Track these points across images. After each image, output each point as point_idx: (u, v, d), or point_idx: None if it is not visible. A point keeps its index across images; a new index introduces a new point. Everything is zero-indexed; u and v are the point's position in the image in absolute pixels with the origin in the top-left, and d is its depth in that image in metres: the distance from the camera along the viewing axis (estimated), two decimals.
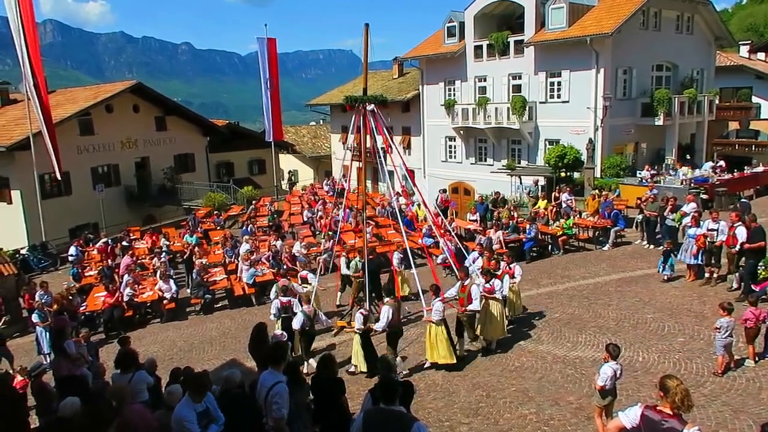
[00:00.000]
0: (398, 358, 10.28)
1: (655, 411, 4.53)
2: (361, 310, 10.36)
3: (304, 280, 13.21)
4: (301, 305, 11.21)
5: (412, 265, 12.99)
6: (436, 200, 22.28)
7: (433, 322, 10.02)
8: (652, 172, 22.28)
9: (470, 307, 10.41)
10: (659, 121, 24.47)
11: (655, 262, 14.01)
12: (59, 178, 24.27)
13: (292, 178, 42.26)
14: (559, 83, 25.09)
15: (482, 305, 10.53)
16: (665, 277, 13.23)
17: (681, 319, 11.01)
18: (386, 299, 10.63)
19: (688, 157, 25.83)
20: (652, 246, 16.35)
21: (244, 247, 17.60)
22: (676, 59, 26.56)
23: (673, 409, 4.42)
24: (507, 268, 12.02)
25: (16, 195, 26.18)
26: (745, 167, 24.34)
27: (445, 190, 23.03)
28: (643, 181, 21.54)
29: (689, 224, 13.35)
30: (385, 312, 10.08)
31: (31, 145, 23.29)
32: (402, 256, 14.50)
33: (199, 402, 5.59)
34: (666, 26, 25.89)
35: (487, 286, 10.72)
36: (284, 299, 11.19)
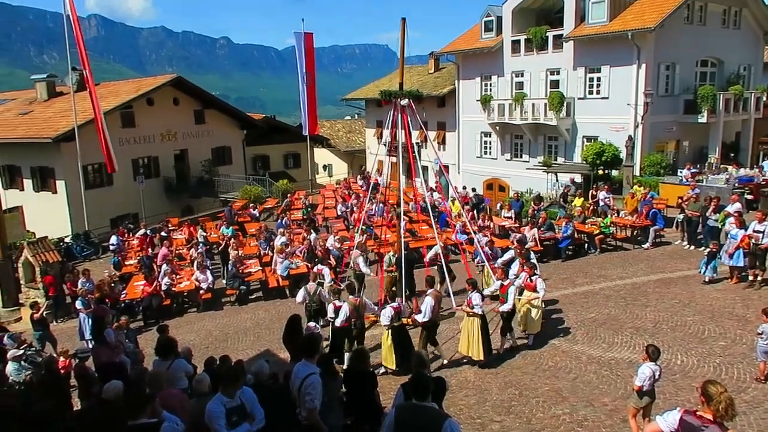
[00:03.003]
0: (431, 354, 10.22)
1: (695, 416, 4.42)
2: (393, 305, 10.35)
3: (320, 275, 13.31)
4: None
5: (443, 262, 12.95)
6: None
7: (477, 315, 9.87)
8: (694, 170, 21.66)
9: (503, 308, 10.34)
10: (703, 119, 23.77)
11: (696, 263, 13.66)
12: (115, 169, 24.63)
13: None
14: (598, 79, 24.59)
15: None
16: (706, 279, 12.87)
17: (722, 323, 10.71)
18: (429, 290, 10.41)
19: (732, 155, 25.02)
20: (693, 247, 15.94)
21: (279, 240, 17.81)
22: (722, 54, 25.71)
23: (716, 417, 4.30)
24: (528, 281, 10.92)
25: (60, 185, 27.04)
26: None
27: (465, 187, 22.78)
28: (684, 180, 20.96)
29: (733, 225, 12.95)
30: (428, 303, 10.01)
31: (76, 137, 23.98)
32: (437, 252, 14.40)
33: (231, 397, 5.30)
34: (712, 20, 25.08)
35: (529, 282, 10.79)
36: (394, 305, 10.71)
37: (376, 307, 11.38)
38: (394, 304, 10.36)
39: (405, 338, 10.27)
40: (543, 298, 10.93)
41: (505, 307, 10.29)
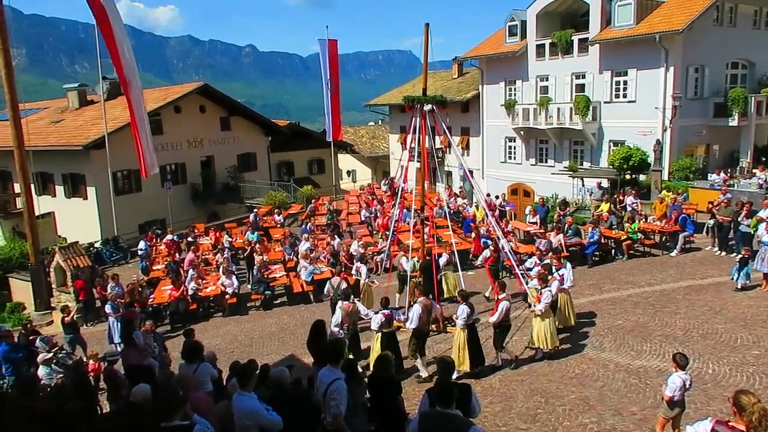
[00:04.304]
0: (420, 361, 10.31)
1: (728, 427, 4.32)
2: (384, 311, 10.41)
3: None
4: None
5: (459, 268, 12.92)
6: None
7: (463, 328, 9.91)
8: (725, 175, 21.20)
9: (491, 320, 10.27)
10: (734, 122, 23.26)
11: (727, 269, 13.36)
12: (148, 173, 23.40)
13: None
14: (625, 82, 24.27)
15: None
16: (739, 286, 12.57)
17: (755, 331, 10.44)
18: (420, 298, 10.54)
19: (764, 159, 24.42)
20: (724, 253, 15.59)
21: (303, 245, 17.92)
22: (753, 56, 25.16)
23: (749, 428, 4.19)
24: (538, 294, 10.54)
25: (91, 191, 27.61)
26: None
27: (489, 195, 22.65)
28: (715, 184, 20.52)
29: (765, 231, 12.64)
30: (415, 310, 10.12)
31: (106, 144, 24.50)
32: (449, 257, 14.36)
33: (249, 391, 5.68)
34: (742, 21, 24.57)
35: (557, 276, 11.01)
36: (385, 312, 10.79)
37: (369, 313, 11.39)
38: (386, 311, 10.43)
39: (394, 345, 10.29)
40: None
41: (493, 319, 10.12)
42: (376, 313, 10.59)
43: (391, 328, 10.36)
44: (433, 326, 11.92)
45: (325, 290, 13.46)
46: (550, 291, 10.40)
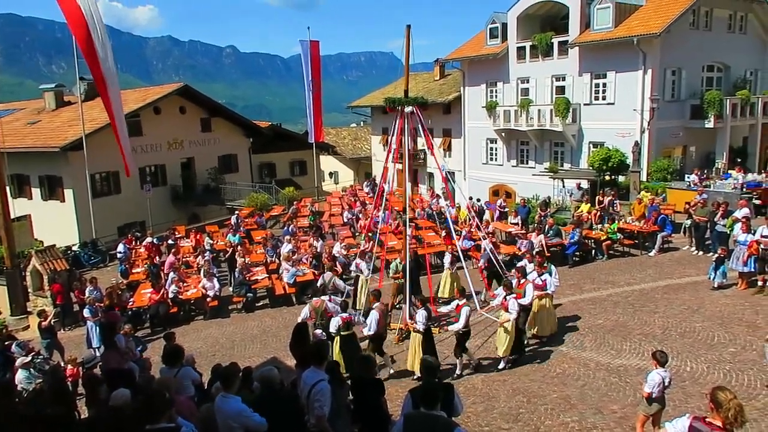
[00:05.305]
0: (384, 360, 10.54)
1: (705, 423, 4.39)
2: (342, 315, 10.55)
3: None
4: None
5: (464, 266, 12.96)
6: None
7: (419, 332, 10.01)
8: (702, 176, 21.57)
9: (451, 328, 10.29)
10: (709, 124, 23.69)
11: (704, 268, 13.58)
12: (130, 173, 23.60)
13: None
14: (604, 84, 24.58)
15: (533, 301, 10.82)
16: (715, 285, 12.79)
17: (732, 329, 10.63)
18: (375, 304, 10.70)
19: (739, 161, 24.90)
20: (701, 252, 15.86)
21: (285, 247, 17.83)
22: (729, 60, 25.66)
23: (725, 424, 4.27)
24: (503, 300, 10.33)
25: (68, 194, 27.22)
26: None
27: (471, 198, 22.77)
28: (692, 185, 20.86)
29: (741, 230, 12.88)
30: (373, 316, 10.27)
31: (83, 146, 24.14)
32: (452, 257, 14.45)
33: (233, 393, 5.65)
34: (718, 26, 25.05)
35: (539, 281, 10.97)
36: (344, 315, 10.96)
37: (341, 311, 11.37)
38: (344, 315, 10.57)
39: (353, 346, 10.39)
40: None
41: (455, 327, 10.13)
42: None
43: (349, 331, 10.43)
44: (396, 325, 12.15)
45: (318, 284, 13.74)
46: (516, 301, 10.19)
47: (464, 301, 10.27)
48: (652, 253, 16.63)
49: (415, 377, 10.02)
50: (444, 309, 11.47)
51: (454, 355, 10.40)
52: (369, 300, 12.92)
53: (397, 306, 13.63)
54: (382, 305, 10.69)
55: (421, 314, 10.01)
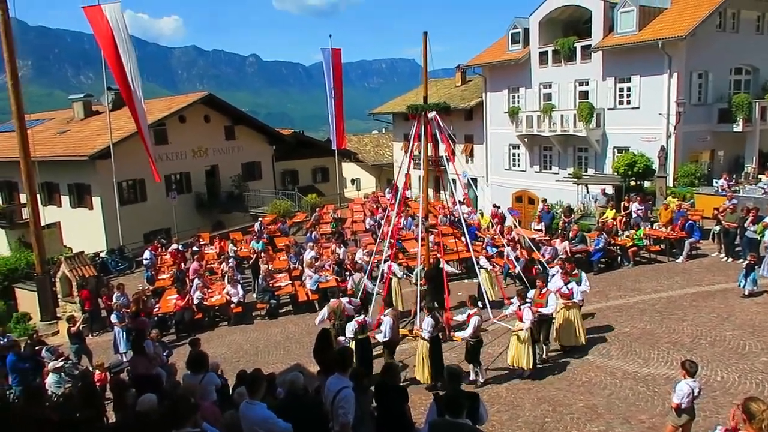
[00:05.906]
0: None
1: None
2: (358, 319, 10.52)
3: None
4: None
5: (478, 273, 12.90)
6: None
7: (426, 339, 9.94)
8: (731, 181, 21.14)
9: (460, 334, 10.37)
10: (738, 128, 23.20)
11: (734, 276, 13.29)
12: (159, 179, 24.63)
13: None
14: (628, 89, 24.26)
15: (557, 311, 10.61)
16: (746, 293, 12.50)
17: (764, 338, 10.37)
18: (387, 310, 10.67)
19: None
20: (730, 259, 15.52)
21: (308, 254, 17.91)
22: (757, 62, 25.12)
23: None
24: (517, 309, 10.26)
25: (96, 201, 27.72)
26: None
27: (495, 205, 22.58)
28: (720, 190, 20.47)
29: None
30: (387, 323, 10.25)
31: (111, 154, 24.61)
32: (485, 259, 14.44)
33: (258, 400, 5.67)
34: (745, 27, 24.56)
35: (565, 290, 10.78)
36: (359, 319, 10.90)
37: (355, 313, 11.42)
38: (359, 318, 10.53)
39: (367, 351, 10.40)
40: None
41: (464, 334, 10.01)
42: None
43: (365, 335, 10.44)
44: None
45: (348, 285, 14.45)
46: (531, 310, 9.97)
47: (475, 310, 10.16)
48: (679, 260, 16.33)
49: (424, 385, 10.02)
50: (459, 318, 11.32)
51: (466, 361, 10.27)
52: (401, 303, 13.06)
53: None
54: (394, 311, 10.71)
55: (427, 322, 9.97)
